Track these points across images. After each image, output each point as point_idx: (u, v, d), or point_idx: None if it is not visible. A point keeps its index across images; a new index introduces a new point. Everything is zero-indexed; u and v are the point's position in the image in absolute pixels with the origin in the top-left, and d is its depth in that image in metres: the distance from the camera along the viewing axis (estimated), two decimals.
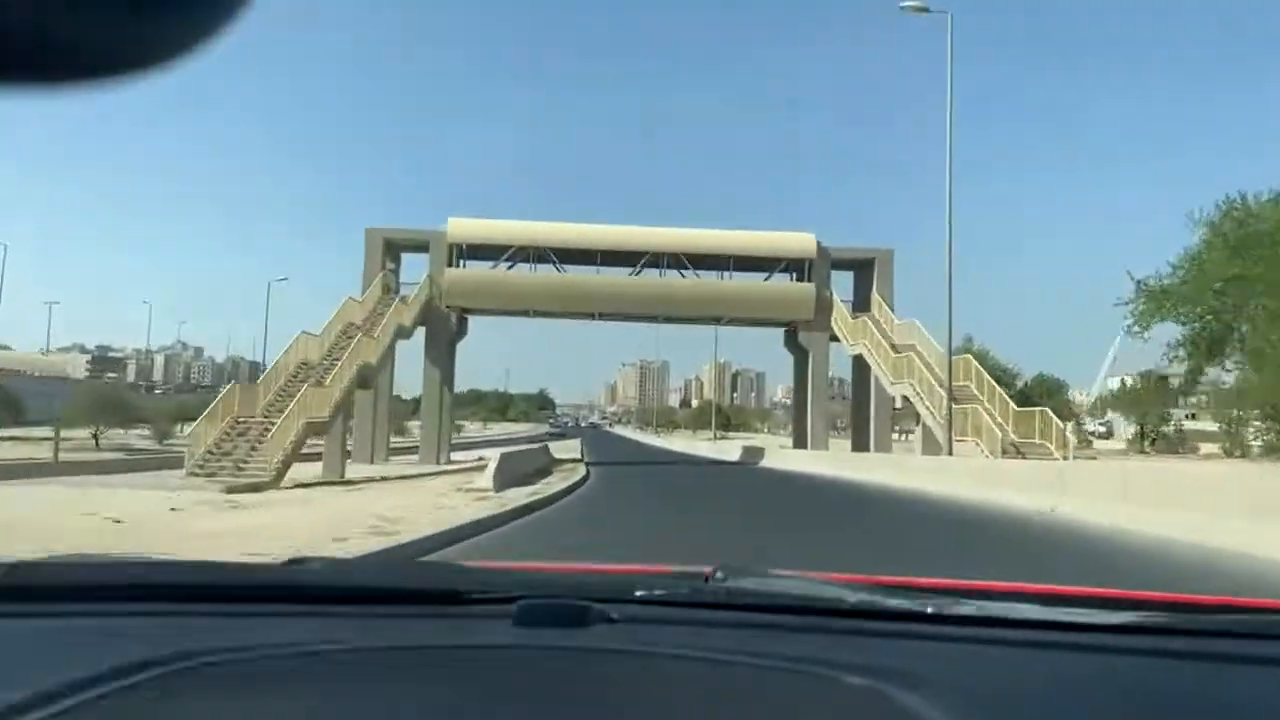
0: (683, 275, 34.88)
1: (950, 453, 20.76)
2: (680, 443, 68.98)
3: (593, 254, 34.27)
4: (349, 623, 1.09)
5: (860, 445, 36.00)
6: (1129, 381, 49.94)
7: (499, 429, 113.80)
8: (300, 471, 21.47)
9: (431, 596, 1.18)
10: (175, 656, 0.89)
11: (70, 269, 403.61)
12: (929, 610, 1.11)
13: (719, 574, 1.22)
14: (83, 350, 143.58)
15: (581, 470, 24.63)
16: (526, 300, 34.33)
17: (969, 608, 1.15)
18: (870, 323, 31.28)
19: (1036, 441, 21.58)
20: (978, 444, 21.72)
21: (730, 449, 47.25)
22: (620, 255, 34.29)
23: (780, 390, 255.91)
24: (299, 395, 20.87)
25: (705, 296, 34.75)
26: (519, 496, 15.17)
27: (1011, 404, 23.36)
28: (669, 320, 38.97)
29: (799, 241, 34.96)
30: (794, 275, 35.31)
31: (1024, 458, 20.53)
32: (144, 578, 1.28)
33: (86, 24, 0.52)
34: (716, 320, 38.33)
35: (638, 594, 1.16)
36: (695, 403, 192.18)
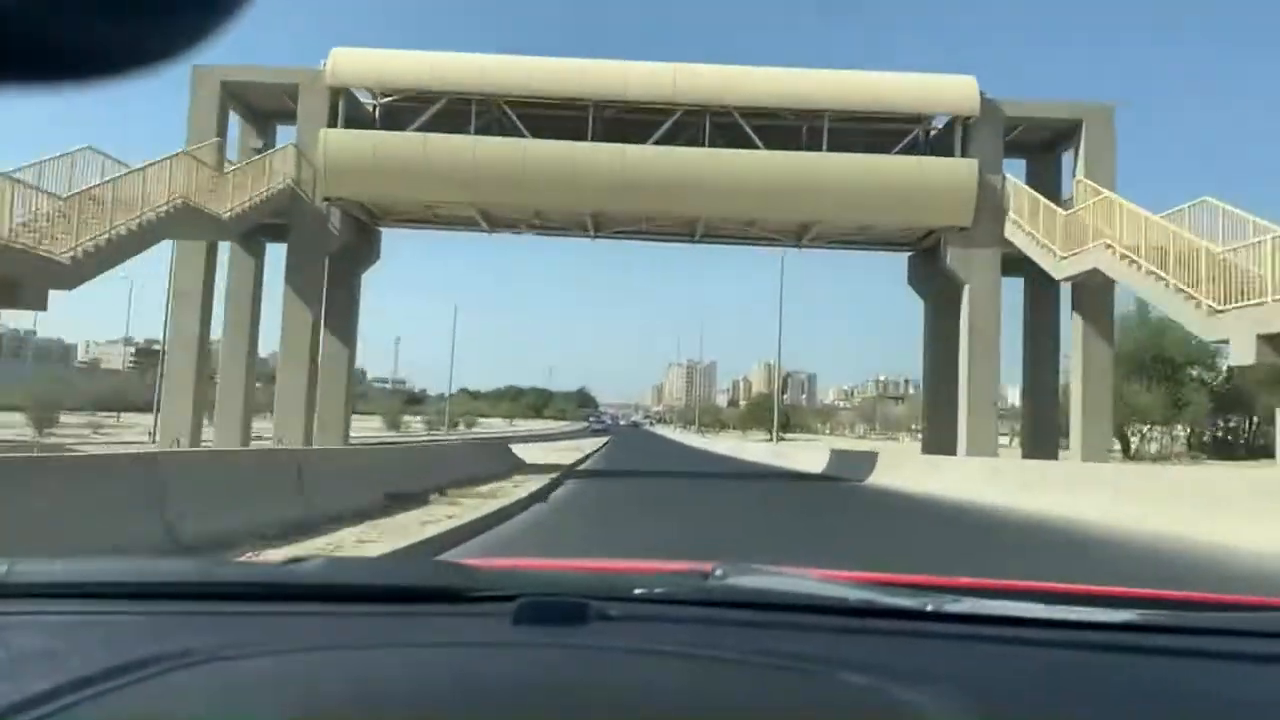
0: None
1: None
2: (726, 444, 54.61)
3: (581, 118, 19.36)
4: (348, 621, 1.09)
5: (1039, 449, 20.92)
6: None
7: (539, 425, 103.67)
8: None
9: (430, 594, 1.17)
10: (174, 655, 0.89)
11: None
12: (929, 608, 1.10)
13: (719, 572, 1.23)
14: (127, 343, 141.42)
15: (540, 481, 14.99)
16: (466, 190, 19.41)
17: (969, 605, 1.14)
18: (1116, 210, 16.06)
19: None
20: None
21: (796, 454, 32.05)
22: (634, 116, 19.46)
23: (832, 393, 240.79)
24: None
25: (782, 183, 18.89)
26: None
27: None
28: (712, 237, 22.95)
29: (951, 90, 19.72)
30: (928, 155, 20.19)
31: None
32: (142, 575, 1.29)
33: (87, 24, 0.54)
34: (798, 237, 22.42)
35: (638, 592, 1.14)
36: (743, 403, 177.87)
